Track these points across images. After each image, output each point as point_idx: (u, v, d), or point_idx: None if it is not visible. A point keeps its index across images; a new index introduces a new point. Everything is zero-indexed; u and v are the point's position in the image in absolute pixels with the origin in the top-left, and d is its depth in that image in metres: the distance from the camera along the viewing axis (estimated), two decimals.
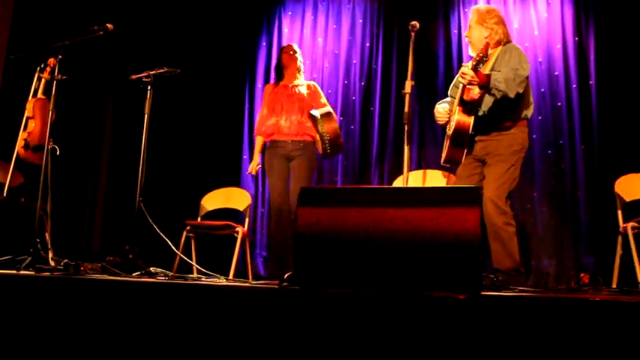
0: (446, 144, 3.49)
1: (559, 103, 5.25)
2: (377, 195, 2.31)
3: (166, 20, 5.87)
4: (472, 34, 3.59)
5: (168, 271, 3.12)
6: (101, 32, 3.47)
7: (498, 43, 3.54)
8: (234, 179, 5.45)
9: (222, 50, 5.86)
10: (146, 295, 2.29)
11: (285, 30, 5.95)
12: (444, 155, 3.48)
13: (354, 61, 5.75)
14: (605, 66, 5.13)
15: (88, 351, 2.21)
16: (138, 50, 5.64)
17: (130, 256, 3.20)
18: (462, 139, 3.32)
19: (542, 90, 5.29)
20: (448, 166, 3.67)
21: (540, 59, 5.34)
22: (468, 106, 3.28)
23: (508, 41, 3.58)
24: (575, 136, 5.17)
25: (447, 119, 3.55)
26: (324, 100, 4.61)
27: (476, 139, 3.46)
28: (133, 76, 3.56)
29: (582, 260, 4.93)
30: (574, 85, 5.23)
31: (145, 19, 5.83)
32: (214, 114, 5.77)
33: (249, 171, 4.62)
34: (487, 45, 3.38)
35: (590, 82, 5.19)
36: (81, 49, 3.84)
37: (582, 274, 2.79)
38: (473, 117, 3.27)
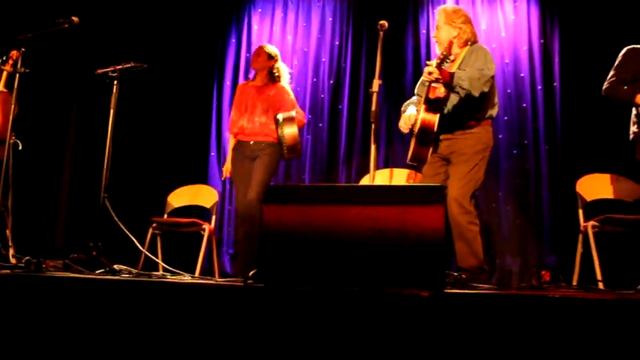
0: (412, 142, 3.52)
1: (524, 104, 5.34)
2: (342, 193, 2.32)
3: (134, 15, 5.78)
4: (440, 34, 3.60)
5: (132, 269, 3.09)
6: (66, 25, 3.40)
7: (466, 43, 3.58)
8: (201, 176, 5.41)
9: (191, 47, 5.80)
10: (109, 293, 2.26)
11: (255, 27, 5.93)
12: (410, 154, 3.50)
13: (324, 59, 5.75)
14: (569, 68, 5.24)
15: (48, 349, 2.18)
16: (105, 45, 5.54)
17: (94, 253, 3.16)
18: (428, 137, 3.34)
19: (509, 91, 5.37)
20: (414, 164, 3.69)
21: (507, 60, 5.43)
22: (433, 105, 3.30)
23: (475, 41, 3.61)
24: (539, 136, 5.27)
25: (410, 128, 3.56)
26: (292, 99, 4.51)
27: (440, 137, 3.49)
28: (99, 71, 3.50)
29: (545, 258, 5.03)
30: (539, 87, 5.33)
31: (112, 14, 5.73)
32: (182, 111, 5.70)
33: (224, 175, 4.53)
34: (451, 43, 3.41)
35: (555, 84, 5.30)
36: (45, 42, 3.76)
37: (543, 272, 2.85)
38: (438, 115, 3.29)
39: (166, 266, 3.55)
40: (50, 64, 5.29)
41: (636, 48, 3.59)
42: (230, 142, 4.58)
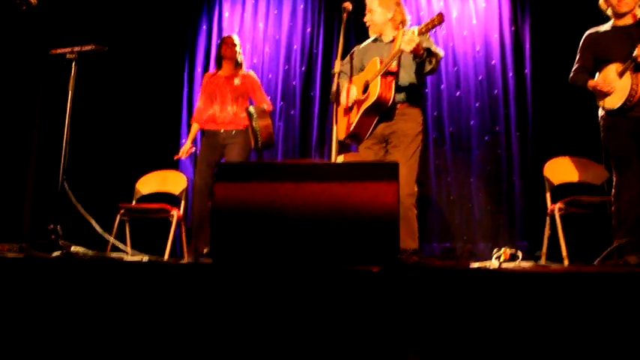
0: (353, 116, 3.48)
1: (495, 91, 5.36)
2: (295, 170, 2.29)
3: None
4: (374, 16, 3.59)
5: (89, 251, 3.04)
6: (24, 7, 3.32)
7: (400, 25, 3.58)
8: (172, 163, 5.35)
9: (162, 33, 5.71)
10: (62, 273, 2.22)
11: (226, 14, 5.87)
12: (351, 128, 3.43)
13: (295, 47, 5.72)
14: (539, 55, 5.26)
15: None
16: (70, 27, 5.39)
17: (52, 236, 3.10)
18: (379, 111, 3.37)
19: (480, 78, 5.39)
20: (348, 142, 3.66)
21: (478, 48, 5.43)
22: (389, 78, 3.29)
23: (405, 24, 3.61)
24: (510, 123, 5.30)
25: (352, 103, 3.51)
26: (260, 86, 4.64)
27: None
28: (54, 51, 3.41)
29: (517, 243, 5.04)
30: (510, 74, 5.35)
31: None
32: (153, 98, 5.62)
33: (179, 155, 4.56)
34: (441, 15, 3.17)
35: (526, 71, 5.33)
36: (3, 24, 3.67)
37: (503, 250, 2.84)
38: (393, 91, 3.31)
39: (122, 247, 3.50)
40: (12, 47, 5.19)
41: (592, 32, 3.59)
42: (193, 129, 4.64)
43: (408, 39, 3.16)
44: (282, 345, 1.94)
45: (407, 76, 3.47)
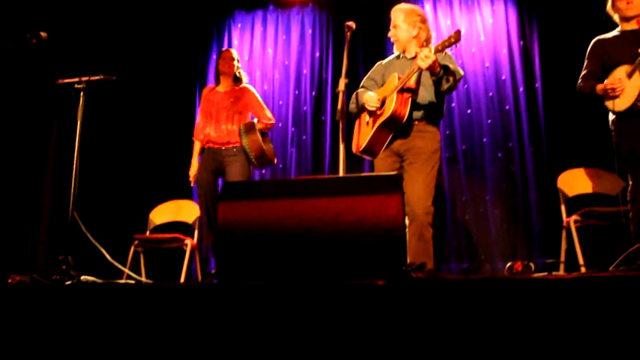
0: (365, 131, 3.49)
1: (507, 107, 5.33)
2: (297, 186, 2.28)
3: (114, 31, 5.77)
4: (398, 32, 3.58)
5: (98, 279, 3.04)
6: (34, 40, 3.38)
7: (424, 43, 3.57)
8: (184, 192, 5.37)
9: (173, 62, 5.80)
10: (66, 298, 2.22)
11: (235, 42, 5.95)
12: (364, 143, 3.46)
13: (305, 72, 5.76)
14: (549, 68, 5.22)
15: None
16: (82, 60, 5.49)
17: (64, 266, 3.11)
18: (393, 127, 3.36)
19: (491, 94, 5.36)
20: (362, 156, 3.67)
21: (487, 64, 5.42)
22: (406, 95, 3.28)
23: (430, 42, 3.61)
24: (523, 138, 5.25)
25: (378, 107, 3.51)
26: (260, 102, 4.54)
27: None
28: (61, 81, 3.45)
29: (535, 260, 4.95)
30: (521, 89, 5.32)
31: (91, 29, 5.70)
32: (165, 126, 5.67)
33: (191, 178, 4.54)
34: (458, 32, 3.17)
35: (536, 85, 5.29)
36: (15, 56, 3.73)
37: (514, 263, 2.79)
38: (409, 108, 3.29)
39: (135, 276, 3.49)
40: (26, 79, 5.26)
41: (599, 39, 3.59)
42: (195, 147, 4.60)
43: (424, 56, 3.15)
44: None
45: (427, 95, 3.45)
